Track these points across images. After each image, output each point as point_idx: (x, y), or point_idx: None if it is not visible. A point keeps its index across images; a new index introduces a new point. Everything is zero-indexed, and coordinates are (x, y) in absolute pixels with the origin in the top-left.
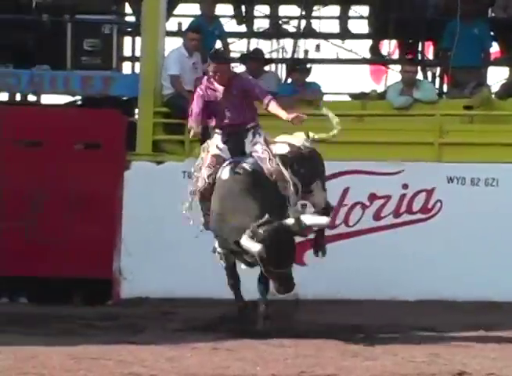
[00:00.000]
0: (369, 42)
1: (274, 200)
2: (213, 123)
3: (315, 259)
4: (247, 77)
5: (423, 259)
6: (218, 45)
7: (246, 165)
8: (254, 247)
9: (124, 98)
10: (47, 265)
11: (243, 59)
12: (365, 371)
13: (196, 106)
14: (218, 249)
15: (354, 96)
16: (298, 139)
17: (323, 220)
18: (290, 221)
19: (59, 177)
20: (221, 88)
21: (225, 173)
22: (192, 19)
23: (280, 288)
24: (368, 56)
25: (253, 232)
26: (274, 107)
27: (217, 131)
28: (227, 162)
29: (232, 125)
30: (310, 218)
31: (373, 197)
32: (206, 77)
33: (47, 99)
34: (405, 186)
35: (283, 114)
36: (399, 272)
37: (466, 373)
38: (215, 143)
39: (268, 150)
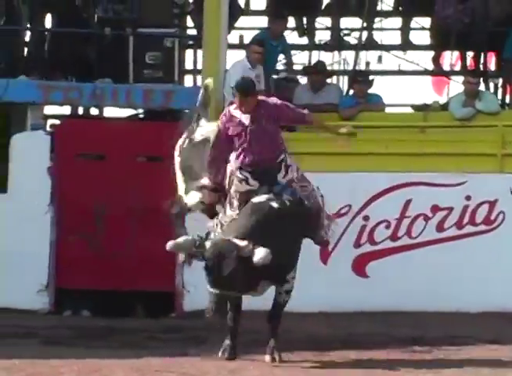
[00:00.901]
0: (430, 53)
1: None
2: (237, 162)
3: (377, 271)
4: (274, 100)
5: (485, 271)
6: (282, 58)
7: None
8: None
9: (186, 111)
10: (110, 278)
11: (306, 71)
12: None
13: (213, 149)
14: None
15: (416, 108)
16: None
17: (260, 253)
18: (242, 243)
19: (122, 190)
20: (246, 118)
21: (259, 198)
22: (253, 31)
23: (209, 309)
24: (430, 67)
25: (200, 244)
26: (318, 121)
27: (242, 170)
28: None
29: (261, 162)
30: (259, 251)
31: (435, 209)
32: (227, 109)
33: (109, 112)
34: (467, 198)
35: (333, 127)
36: (462, 284)
37: None
38: (242, 180)
39: (304, 186)
